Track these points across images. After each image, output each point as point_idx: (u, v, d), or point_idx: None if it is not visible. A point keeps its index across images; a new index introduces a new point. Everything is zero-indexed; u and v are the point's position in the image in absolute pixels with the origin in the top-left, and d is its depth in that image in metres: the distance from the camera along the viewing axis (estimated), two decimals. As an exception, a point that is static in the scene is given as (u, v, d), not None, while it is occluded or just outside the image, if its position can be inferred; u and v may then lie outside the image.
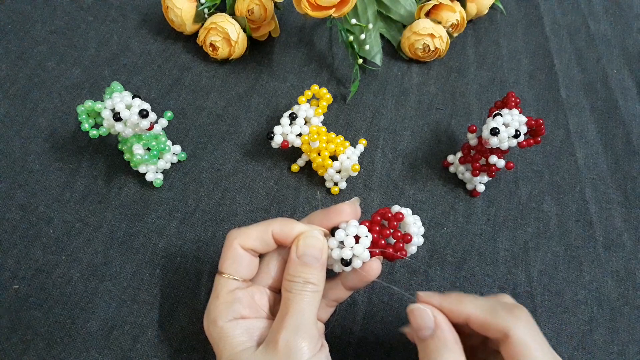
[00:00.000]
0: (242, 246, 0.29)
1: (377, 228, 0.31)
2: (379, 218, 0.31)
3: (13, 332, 0.36)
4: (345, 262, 0.30)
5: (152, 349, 0.36)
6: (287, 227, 0.30)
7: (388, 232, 0.31)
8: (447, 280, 0.40)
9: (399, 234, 0.31)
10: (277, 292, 0.32)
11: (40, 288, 0.37)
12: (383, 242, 0.30)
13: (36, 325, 0.36)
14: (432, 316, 0.28)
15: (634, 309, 0.39)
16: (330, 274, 0.31)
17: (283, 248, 0.31)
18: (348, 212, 0.30)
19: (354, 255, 0.29)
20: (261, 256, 0.31)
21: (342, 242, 0.30)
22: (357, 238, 0.30)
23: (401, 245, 0.31)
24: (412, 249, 0.32)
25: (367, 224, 0.31)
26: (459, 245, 0.41)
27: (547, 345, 0.27)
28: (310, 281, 0.29)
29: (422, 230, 0.32)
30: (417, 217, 0.33)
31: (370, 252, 0.30)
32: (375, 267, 0.31)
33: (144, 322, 0.37)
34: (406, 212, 0.32)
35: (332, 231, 0.30)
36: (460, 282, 0.40)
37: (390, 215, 0.32)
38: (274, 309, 0.31)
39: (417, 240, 0.32)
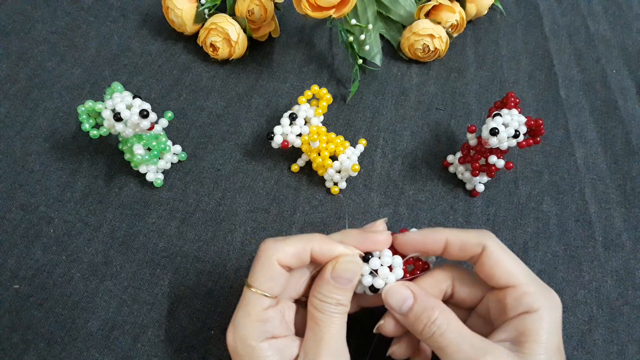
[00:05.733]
0: (279, 262, 0.28)
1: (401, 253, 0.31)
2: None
3: (13, 332, 0.36)
4: (374, 290, 0.30)
5: (152, 349, 0.36)
6: (327, 247, 0.29)
7: (412, 258, 0.31)
8: (446, 280, 0.40)
9: (420, 263, 0.32)
10: (299, 303, 0.32)
11: (40, 288, 0.37)
12: (404, 267, 0.31)
13: (36, 325, 0.36)
14: (407, 288, 0.29)
15: (634, 308, 0.39)
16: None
17: (312, 265, 0.31)
18: (386, 243, 0.31)
19: (385, 284, 0.30)
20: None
21: (375, 270, 0.30)
22: (389, 267, 0.30)
23: (418, 272, 0.32)
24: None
25: (392, 249, 0.31)
26: (458, 245, 0.41)
27: (516, 257, 0.30)
28: (342, 303, 0.29)
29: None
30: None
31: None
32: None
33: (144, 322, 0.37)
34: None
35: (365, 255, 0.30)
36: (460, 281, 0.40)
37: None
38: (298, 322, 0.31)
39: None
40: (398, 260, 0.30)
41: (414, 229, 0.33)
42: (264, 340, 0.28)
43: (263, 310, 0.28)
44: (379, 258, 0.30)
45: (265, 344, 0.28)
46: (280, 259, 0.28)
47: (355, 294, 0.32)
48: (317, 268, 0.30)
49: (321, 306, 0.28)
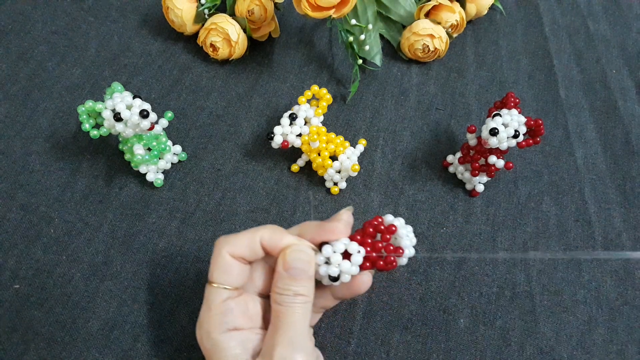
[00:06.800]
0: (231, 254, 0.29)
1: (370, 240, 0.30)
2: (371, 230, 0.31)
3: (13, 332, 0.36)
4: (333, 278, 0.30)
5: (152, 349, 0.36)
6: (276, 237, 0.29)
7: (380, 244, 0.30)
8: (446, 280, 0.40)
9: (392, 248, 0.31)
10: (266, 298, 0.32)
11: (40, 288, 0.38)
12: (375, 254, 0.30)
13: (37, 325, 0.36)
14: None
15: (633, 308, 0.39)
16: (320, 282, 0.31)
17: (270, 257, 0.31)
18: (341, 231, 0.30)
19: (341, 271, 0.29)
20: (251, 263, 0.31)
21: (329, 259, 0.29)
22: (347, 254, 0.30)
23: (392, 259, 0.30)
24: (403, 260, 0.32)
25: (359, 235, 0.31)
26: (458, 245, 0.42)
27: None
28: (300, 293, 0.29)
29: (414, 241, 0.32)
30: (409, 228, 0.32)
31: (362, 265, 0.30)
32: (366, 280, 0.31)
33: (144, 322, 0.37)
34: (399, 222, 0.32)
35: (321, 246, 0.30)
36: (460, 282, 0.40)
37: (383, 227, 0.31)
38: (266, 317, 0.31)
39: (409, 252, 0.31)
40: (354, 247, 0.30)
41: (389, 216, 0.32)
42: (226, 332, 0.28)
43: (222, 302, 0.28)
44: (333, 246, 0.30)
45: (227, 335, 0.28)
46: (230, 251, 0.29)
47: (326, 287, 0.32)
48: (275, 261, 0.30)
49: (280, 299, 0.29)
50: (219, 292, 0.29)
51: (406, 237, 0.32)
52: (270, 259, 0.31)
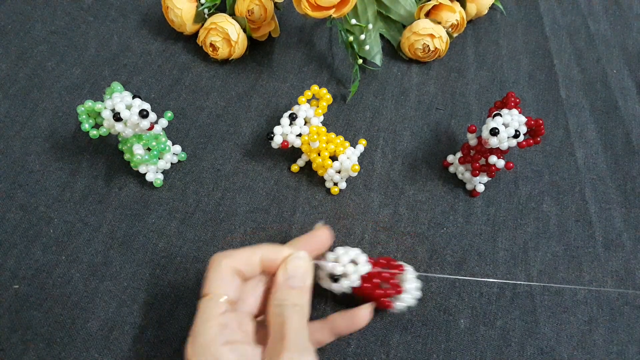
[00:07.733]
0: (230, 267, 0.29)
1: (379, 268, 0.33)
2: (383, 262, 0.34)
3: (13, 332, 0.36)
4: (334, 279, 0.30)
5: (152, 349, 0.36)
6: (275, 252, 0.30)
7: (385, 274, 0.33)
8: (446, 280, 0.40)
9: (392, 282, 0.33)
10: (256, 319, 0.32)
11: (40, 288, 0.37)
12: (377, 280, 0.32)
13: (36, 325, 0.36)
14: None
15: (634, 308, 0.39)
16: (317, 317, 0.33)
17: (264, 276, 0.32)
18: (327, 237, 0.33)
19: (344, 273, 0.31)
20: None
21: (337, 259, 0.32)
22: (354, 263, 0.32)
23: (390, 292, 0.33)
24: (398, 304, 0.34)
25: (371, 260, 0.33)
26: (458, 245, 0.41)
27: None
28: (298, 303, 0.29)
29: (418, 293, 0.34)
30: (418, 282, 0.35)
31: (363, 281, 0.32)
32: (365, 314, 0.32)
33: (144, 322, 0.37)
34: (410, 270, 0.34)
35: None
36: (460, 282, 0.40)
37: (393, 263, 0.34)
38: (257, 336, 0.31)
39: (408, 299, 0.34)
40: (363, 258, 0.32)
41: (408, 265, 0.34)
42: (225, 344, 0.27)
43: (221, 314, 0.28)
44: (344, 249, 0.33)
45: (227, 348, 0.27)
46: (229, 264, 0.29)
47: (327, 319, 0.32)
48: (270, 279, 0.31)
49: (279, 310, 0.29)
50: (217, 304, 0.28)
51: (410, 283, 0.34)
52: (262, 281, 0.32)
